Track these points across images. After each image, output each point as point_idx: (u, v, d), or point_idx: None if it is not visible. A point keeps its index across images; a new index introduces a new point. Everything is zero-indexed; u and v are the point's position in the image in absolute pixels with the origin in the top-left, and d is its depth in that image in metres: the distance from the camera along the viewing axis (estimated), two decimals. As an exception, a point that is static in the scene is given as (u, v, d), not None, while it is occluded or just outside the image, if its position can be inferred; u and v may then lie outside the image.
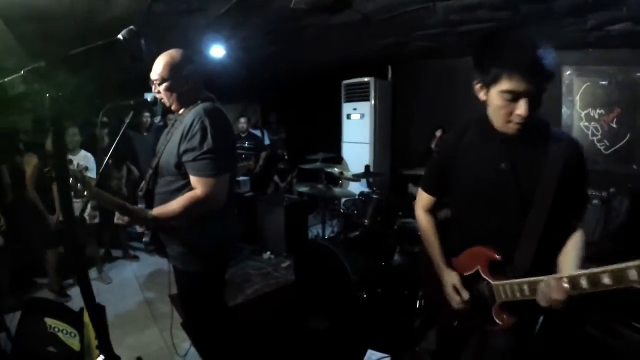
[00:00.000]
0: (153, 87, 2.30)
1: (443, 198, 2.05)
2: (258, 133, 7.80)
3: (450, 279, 1.85)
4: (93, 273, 4.93)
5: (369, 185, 6.14)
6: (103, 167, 2.39)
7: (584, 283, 1.35)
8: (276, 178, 7.92)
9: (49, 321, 2.91)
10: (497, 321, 1.69)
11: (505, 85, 1.47)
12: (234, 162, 2.48)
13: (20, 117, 4.83)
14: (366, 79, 7.19)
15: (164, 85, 2.23)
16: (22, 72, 1.02)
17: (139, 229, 6.09)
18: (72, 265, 1.26)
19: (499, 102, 1.52)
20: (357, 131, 7.46)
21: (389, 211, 4.37)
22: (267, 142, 7.89)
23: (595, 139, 4.88)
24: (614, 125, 4.70)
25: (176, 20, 3.91)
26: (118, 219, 2.21)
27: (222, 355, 2.64)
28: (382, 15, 4.06)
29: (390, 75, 7.59)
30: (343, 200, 5.83)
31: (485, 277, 1.72)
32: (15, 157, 4.58)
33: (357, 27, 4.48)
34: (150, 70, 2.27)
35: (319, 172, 5.30)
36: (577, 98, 5.00)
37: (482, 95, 1.63)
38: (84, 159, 4.51)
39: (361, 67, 7.18)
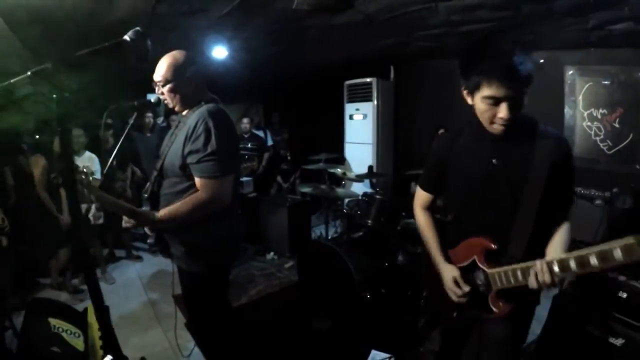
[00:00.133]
0: (156, 88, 2.31)
1: (440, 195, 2.17)
2: (261, 133, 7.80)
3: (451, 272, 1.92)
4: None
5: (372, 185, 6.14)
6: (107, 168, 2.40)
7: (572, 264, 1.46)
8: (279, 178, 7.93)
9: (53, 321, 2.93)
10: (494, 309, 1.78)
11: (485, 91, 1.58)
12: (238, 163, 2.49)
13: (23, 117, 4.84)
14: (368, 79, 7.20)
15: (167, 86, 2.24)
16: (29, 73, 1.03)
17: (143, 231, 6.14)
18: (80, 265, 1.27)
19: (482, 106, 1.63)
20: (360, 131, 7.47)
21: (392, 211, 4.37)
22: (269, 142, 7.89)
23: (597, 138, 4.87)
24: (617, 125, 4.69)
25: (178, 21, 3.92)
26: (125, 222, 2.22)
27: (226, 355, 2.64)
28: (384, 16, 4.06)
29: (392, 76, 7.59)
30: (346, 200, 5.83)
31: (481, 265, 1.82)
32: (18, 157, 4.59)
33: (359, 28, 4.48)
34: (153, 71, 2.28)
35: (321, 173, 5.30)
36: (580, 98, 4.99)
37: (469, 100, 1.73)
38: (88, 160, 4.53)
39: (363, 68, 7.18)
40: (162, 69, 2.22)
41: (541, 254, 1.66)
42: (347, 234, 4.82)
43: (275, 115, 8.85)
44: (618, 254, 1.33)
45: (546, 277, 1.53)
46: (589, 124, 4.93)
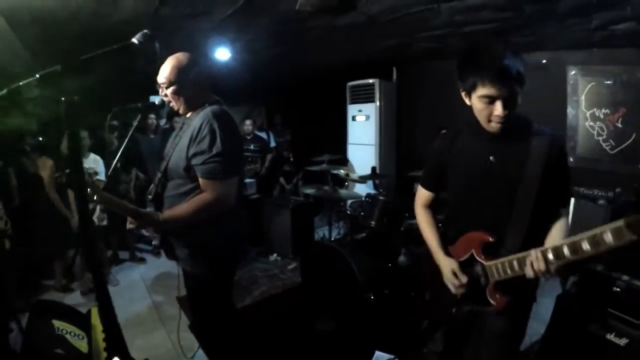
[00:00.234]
0: (160, 90, 2.31)
1: (440, 194, 2.25)
2: (263, 135, 7.81)
3: (449, 264, 2.00)
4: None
5: (375, 186, 6.14)
6: (111, 169, 2.40)
7: (566, 251, 1.53)
8: (281, 180, 7.93)
9: (57, 323, 2.93)
10: (491, 301, 1.86)
11: (480, 90, 1.69)
12: (242, 165, 2.50)
13: (25, 119, 4.85)
14: (371, 81, 7.21)
15: (171, 88, 2.25)
16: (37, 76, 1.03)
17: (145, 233, 6.15)
18: (89, 266, 1.28)
19: (479, 105, 1.75)
20: (362, 132, 7.47)
21: (395, 212, 4.37)
22: (272, 144, 7.90)
23: (600, 138, 4.87)
24: (619, 125, 4.69)
25: (181, 23, 3.92)
26: (130, 223, 2.23)
27: (230, 356, 2.65)
28: (387, 17, 4.06)
29: (394, 77, 7.59)
30: (349, 201, 5.84)
31: (478, 258, 1.90)
32: (22, 159, 4.61)
33: (361, 29, 4.49)
34: (156, 73, 2.29)
35: (324, 174, 5.31)
36: (582, 98, 4.98)
37: (467, 101, 1.85)
38: (93, 162, 4.55)
39: (366, 69, 7.18)
40: (165, 71, 2.23)
41: (536, 246, 1.70)
42: (351, 235, 4.83)
43: (278, 117, 8.86)
44: (608, 237, 1.38)
45: (541, 265, 1.60)
46: (591, 123, 4.93)
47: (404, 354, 3.19)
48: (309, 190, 5.05)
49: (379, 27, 4.40)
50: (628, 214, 1.36)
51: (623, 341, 2.50)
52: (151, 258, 5.79)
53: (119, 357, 1.28)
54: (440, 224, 2.28)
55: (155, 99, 2.38)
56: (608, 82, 4.73)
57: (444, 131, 5.83)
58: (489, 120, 1.75)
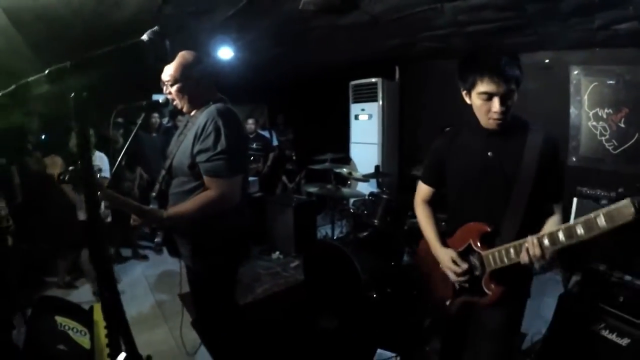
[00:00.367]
0: (164, 88, 2.32)
1: (440, 189, 2.32)
2: (266, 134, 7.82)
3: (448, 252, 2.08)
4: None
5: (379, 185, 6.14)
6: (116, 167, 2.41)
7: (560, 236, 1.61)
8: (284, 178, 7.94)
9: (60, 319, 2.95)
10: (487, 291, 1.92)
11: (479, 87, 1.80)
12: (247, 163, 2.50)
13: (28, 117, 4.87)
14: (374, 80, 7.20)
15: (176, 86, 2.25)
16: (46, 72, 1.04)
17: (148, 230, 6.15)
18: (96, 263, 1.28)
19: (478, 102, 1.85)
20: (365, 131, 7.46)
21: (399, 211, 4.38)
22: (275, 142, 7.90)
23: (603, 138, 4.86)
24: (622, 125, 4.68)
25: (184, 22, 3.93)
26: (134, 220, 2.24)
27: (232, 353, 2.65)
28: (390, 16, 4.07)
29: (397, 76, 7.59)
30: (352, 200, 5.84)
31: (476, 248, 1.97)
32: (24, 157, 4.62)
33: (364, 28, 4.49)
34: (160, 71, 2.30)
35: (327, 173, 5.31)
36: (585, 97, 4.97)
37: (467, 100, 1.95)
38: (98, 160, 4.56)
39: (368, 68, 7.18)
40: (171, 68, 2.24)
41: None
42: (353, 233, 4.83)
43: (280, 116, 8.89)
44: (602, 220, 1.44)
45: (537, 251, 1.68)
46: (594, 123, 4.92)
47: (406, 352, 3.21)
48: (312, 189, 5.05)
49: (382, 26, 4.40)
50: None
51: (625, 341, 2.50)
52: (153, 255, 5.80)
53: (127, 354, 1.28)
54: (443, 223, 2.32)
55: (159, 98, 2.39)
56: (611, 82, 4.72)
57: (447, 129, 5.87)
58: (488, 117, 1.85)
